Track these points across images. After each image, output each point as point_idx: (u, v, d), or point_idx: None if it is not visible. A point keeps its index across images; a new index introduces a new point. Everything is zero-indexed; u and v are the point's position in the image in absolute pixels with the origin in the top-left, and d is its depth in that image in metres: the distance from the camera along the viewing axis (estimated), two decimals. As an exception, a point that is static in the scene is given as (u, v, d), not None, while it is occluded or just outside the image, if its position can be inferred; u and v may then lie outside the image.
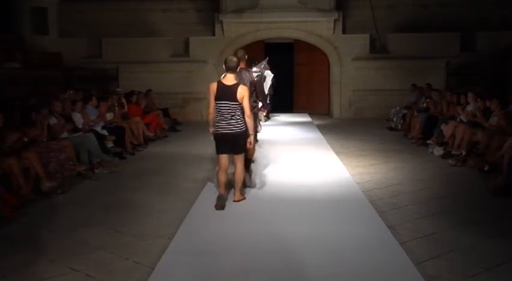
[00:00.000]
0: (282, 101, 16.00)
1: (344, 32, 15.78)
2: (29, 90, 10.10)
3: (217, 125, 5.76)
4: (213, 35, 15.80)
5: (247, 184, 6.45)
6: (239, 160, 5.92)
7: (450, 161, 8.23)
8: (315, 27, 15.53)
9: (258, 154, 8.55)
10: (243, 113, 5.72)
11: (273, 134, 11.89)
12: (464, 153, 8.22)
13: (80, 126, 8.37)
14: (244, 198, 6.05)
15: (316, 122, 14.46)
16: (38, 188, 6.29)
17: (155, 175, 7.67)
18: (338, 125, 13.90)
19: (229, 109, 5.67)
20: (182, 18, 16.21)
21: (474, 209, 5.75)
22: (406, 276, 3.82)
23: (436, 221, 5.24)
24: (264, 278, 3.84)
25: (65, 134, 7.78)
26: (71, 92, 10.12)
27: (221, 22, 15.47)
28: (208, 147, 10.18)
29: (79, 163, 7.38)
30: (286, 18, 15.23)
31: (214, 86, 5.73)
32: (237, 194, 5.98)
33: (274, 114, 15.36)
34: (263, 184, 6.80)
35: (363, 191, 6.37)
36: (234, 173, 5.95)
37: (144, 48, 15.51)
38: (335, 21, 15.41)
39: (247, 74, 6.59)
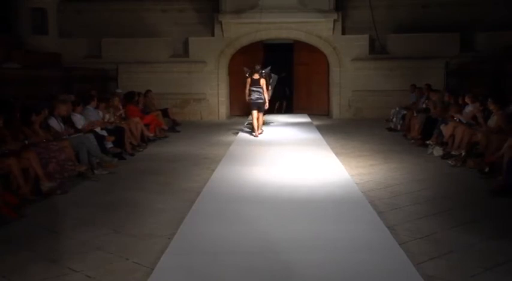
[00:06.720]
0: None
1: (343, 32, 15.78)
2: (28, 90, 10.10)
3: (251, 98, 11.38)
4: (213, 35, 15.81)
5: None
6: (260, 115, 11.67)
7: (450, 162, 8.23)
8: (315, 28, 15.53)
9: (258, 152, 9.37)
10: (263, 92, 11.33)
11: (273, 134, 11.90)
12: (463, 153, 8.22)
13: (79, 126, 8.36)
14: (263, 131, 11.84)
15: (316, 122, 14.45)
16: (37, 188, 6.28)
17: (155, 175, 7.67)
18: (337, 126, 13.90)
19: (257, 90, 11.35)
20: (182, 18, 16.21)
21: (474, 209, 5.75)
22: (405, 276, 3.81)
23: (436, 221, 5.23)
24: (264, 278, 3.83)
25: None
26: (72, 96, 10.10)
27: (220, 23, 15.48)
28: (207, 148, 10.25)
29: (79, 164, 7.37)
30: (286, 19, 15.23)
31: (249, 79, 11.42)
32: (260, 130, 11.61)
33: (271, 114, 15.30)
34: (263, 184, 6.80)
35: (363, 192, 6.36)
36: (258, 120, 11.54)
37: (143, 48, 15.53)
38: (334, 21, 15.41)
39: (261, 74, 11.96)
